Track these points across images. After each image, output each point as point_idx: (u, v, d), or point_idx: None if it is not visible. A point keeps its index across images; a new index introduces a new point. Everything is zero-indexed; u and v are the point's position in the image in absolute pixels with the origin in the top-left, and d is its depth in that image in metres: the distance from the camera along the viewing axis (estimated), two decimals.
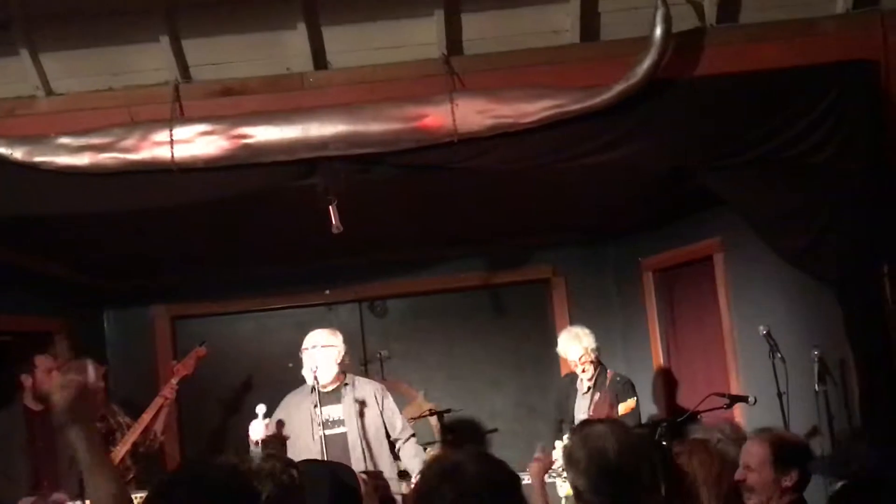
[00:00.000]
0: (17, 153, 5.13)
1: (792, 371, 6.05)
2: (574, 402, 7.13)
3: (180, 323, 8.92)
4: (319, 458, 5.86)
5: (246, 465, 3.00)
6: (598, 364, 7.00)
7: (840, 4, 5.40)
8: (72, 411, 2.85)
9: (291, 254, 8.36)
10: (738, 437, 4.45)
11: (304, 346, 6.33)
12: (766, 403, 6.08)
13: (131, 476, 6.57)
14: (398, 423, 6.41)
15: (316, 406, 6.10)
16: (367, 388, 6.40)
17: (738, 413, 6.73)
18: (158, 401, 6.76)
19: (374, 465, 6.18)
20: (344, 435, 6.19)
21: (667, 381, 8.17)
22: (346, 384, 6.35)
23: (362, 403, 6.27)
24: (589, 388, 6.99)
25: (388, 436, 6.38)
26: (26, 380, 6.23)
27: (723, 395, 6.21)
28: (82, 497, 5.29)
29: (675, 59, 5.18)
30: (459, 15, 5.31)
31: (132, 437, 6.60)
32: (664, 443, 5.73)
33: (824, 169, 5.27)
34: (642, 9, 5.16)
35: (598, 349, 6.96)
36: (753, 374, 6.73)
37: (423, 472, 2.88)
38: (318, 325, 8.59)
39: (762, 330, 6.21)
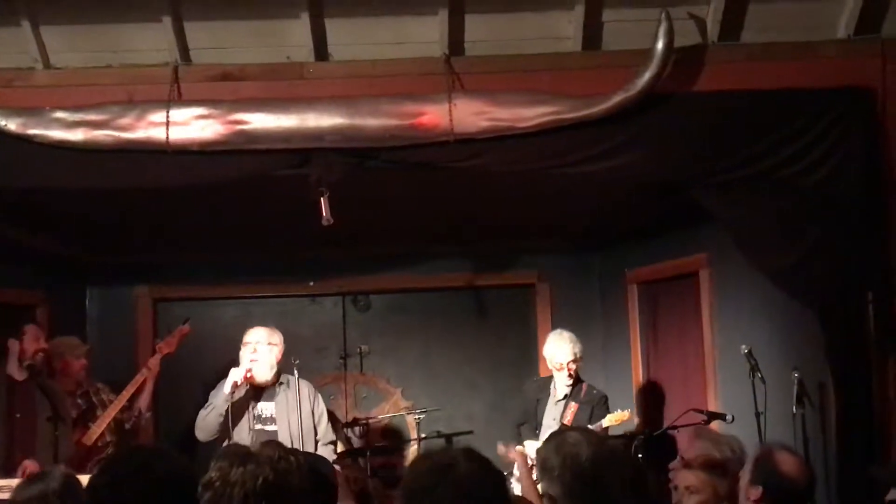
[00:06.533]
0: (12, 125, 5.13)
1: (771, 392, 6.06)
2: (544, 407, 7.06)
3: (163, 305, 8.87)
4: None
5: (245, 450, 3.01)
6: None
7: (842, 30, 5.44)
8: None
9: (278, 243, 8.33)
10: (743, 456, 4.39)
11: (245, 341, 6.37)
12: (743, 423, 6.08)
13: (111, 452, 6.59)
14: (322, 427, 6.50)
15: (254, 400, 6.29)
16: (302, 388, 6.44)
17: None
18: (139, 377, 6.77)
19: None
20: (275, 433, 6.24)
21: (645, 395, 8.16)
22: (282, 383, 6.41)
23: (296, 403, 6.33)
24: (565, 396, 6.94)
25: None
26: (14, 345, 6.19)
27: (701, 412, 6.22)
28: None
29: (675, 74, 5.20)
30: (463, 15, 5.32)
31: (111, 413, 6.61)
32: (640, 455, 5.75)
33: (814, 192, 5.30)
34: (645, 21, 5.18)
35: (581, 358, 6.94)
36: (732, 392, 6.73)
37: (412, 470, 2.87)
38: (301, 315, 8.63)
39: (744, 349, 6.21)
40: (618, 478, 3.24)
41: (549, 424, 6.89)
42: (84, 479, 3.90)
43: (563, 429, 6.27)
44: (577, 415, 6.79)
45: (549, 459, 3.26)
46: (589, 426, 6.37)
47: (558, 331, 7.11)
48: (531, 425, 7.08)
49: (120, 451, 6.08)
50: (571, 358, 6.83)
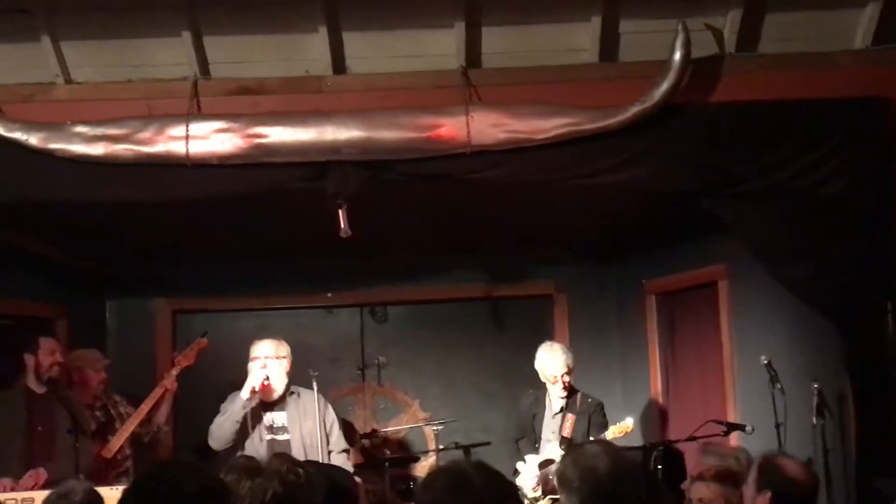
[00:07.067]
0: (33, 139, 5.16)
1: (790, 402, 6.04)
2: (541, 421, 7.01)
3: (181, 317, 8.92)
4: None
5: (254, 463, 3.03)
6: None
7: (858, 40, 5.43)
8: None
9: (296, 254, 8.36)
10: (749, 466, 4.39)
11: (254, 356, 6.40)
12: (762, 434, 6.07)
13: (129, 465, 6.61)
14: (335, 436, 6.49)
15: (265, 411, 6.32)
16: (311, 398, 6.41)
17: (734, 442, 6.72)
18: (158, 391, 6.78)
19: None
20: (287, 442, 6.28)
21: (663, 406, 8.16)
22: (292, 393, 6.44)
23: (305, 413, 6.36)
24: (562, 409, 6.88)
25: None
26: (29, 359, 6.21)
27: (720, 423, 6.21)
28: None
29: (692, 85, 5.20)
30: (479, 28, 5.33)
31: (130, 426, 6.63)
32: (658, 467, 5.74)
33: (830, 202, 5.29)
34: (662, 32, 5.18)
35: (574, 369, 6.89)
36: (751, 403, 6.72)
37: (427, 484, 2.88)
38: (318, 327, 8.64)
39: (763, 360, 6.20)
40: (635, 490, 3.24)
41: (549, 438, 6.87)
42: (103, 491, 3.94)
43: (580, 442, 6.25)
44: (575, 426, 6.76)
45: (567, 472, 3.26)
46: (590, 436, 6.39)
47: (549, 343, 7.08)
48: (529, 439, 7.03)
49: (150, 467, 6.10)
50: (565, 370, 6.78)
